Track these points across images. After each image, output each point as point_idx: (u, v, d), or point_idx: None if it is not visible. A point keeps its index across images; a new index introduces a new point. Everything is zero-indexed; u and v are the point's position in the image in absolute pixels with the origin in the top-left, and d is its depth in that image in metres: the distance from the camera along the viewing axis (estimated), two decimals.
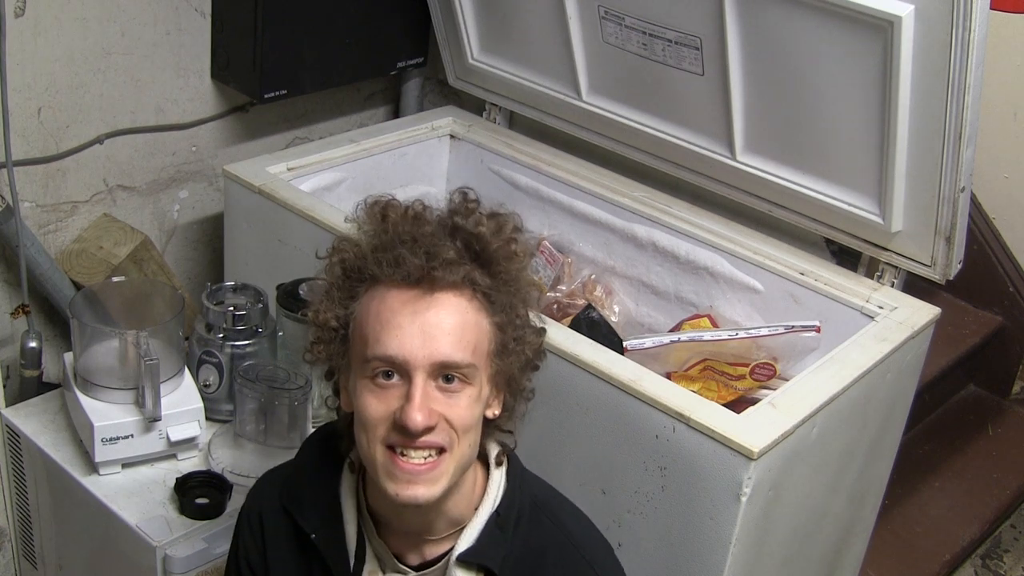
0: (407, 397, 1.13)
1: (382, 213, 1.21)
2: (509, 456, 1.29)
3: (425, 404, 1.13)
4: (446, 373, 1.15)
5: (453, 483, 1.18)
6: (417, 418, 1.12)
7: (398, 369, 1.14)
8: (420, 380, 1.13)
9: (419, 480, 1.15)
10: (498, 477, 1.27)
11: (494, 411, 1.23)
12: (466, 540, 1.23)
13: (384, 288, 1.16)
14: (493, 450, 1.28)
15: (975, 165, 1.82)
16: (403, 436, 1.14)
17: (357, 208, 1.24)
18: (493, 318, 1.19)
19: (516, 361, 1.21)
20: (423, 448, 1.14)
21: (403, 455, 1.14)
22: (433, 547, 1.24)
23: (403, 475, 1.14)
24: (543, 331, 1.27)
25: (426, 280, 1.14)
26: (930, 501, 2.70)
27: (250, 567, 1.34)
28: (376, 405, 1.15)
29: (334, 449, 1.29)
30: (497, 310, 1.19)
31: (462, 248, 1.18)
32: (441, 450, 1.15)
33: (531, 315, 1.24)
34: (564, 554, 1.26)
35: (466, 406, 1.16)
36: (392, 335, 1.14)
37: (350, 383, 1.20)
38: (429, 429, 1.13)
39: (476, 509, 1.25)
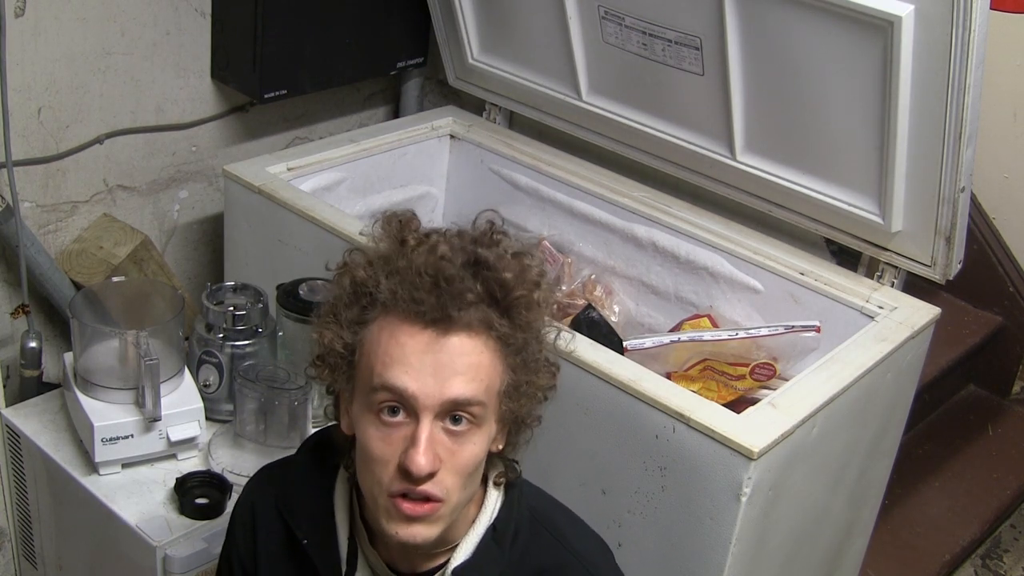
0: (412, 440, 1.10)
1: (400, 237, 1.16)
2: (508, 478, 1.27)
3: (431, 448, 1.10)
4: (455, 413, 1.12)
5: (450, 523, 1.16)
6: (421, 462, 1.09)
7: (405, 405, 1.11)
8: (427, 422, 1.10)
9: (418, 522, 1.12)
10: (495, 492, 1.25)
11: (498, 445, 1.21)
12: (462, 554, 1.21)
13: (396, 320, 1.12)
14: (493, 472, 1.25)
15: (975, 165, 1.82)
16: (406, 481, 1.11)
17: (374, 223, 1.19)
18: (507, 360, 1.15)
19: (527, 402, 1.19)
20: (420, 495, 1.11)
21: (403, 497, 1.12)
22: (426, 560, 1.23)
23: (401, 516, 1.12)
24: (557, 368, 1.23)
25: (443, 321, 1.11)
26: (930, 501, 2.70)
27: (241, 563, 1.34)
28: (380, 446, 1.12)
29: (331, 456, 1.27)
30: (512, 352, 1.16)
31: (482, 292, 1.13)
32: (437, 500, 1.12)
33: (547, 352, 1.21)
34: (564, 566, 1.24)
35: (470, 453, 1.13)
36: (402, 370, 1.10)
37: (353, 409, 1.18)
38: (432, 474, 1.11)
39: (472, 522, 1.23)
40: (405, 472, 1.10)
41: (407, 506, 1.11)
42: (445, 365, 1.10)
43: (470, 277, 1.13)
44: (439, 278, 1.11)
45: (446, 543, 1.22)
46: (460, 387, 1.10)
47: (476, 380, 1.12)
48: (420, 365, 1.10)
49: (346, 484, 1.26)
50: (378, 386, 1.11)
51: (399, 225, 1.18)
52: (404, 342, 1.11)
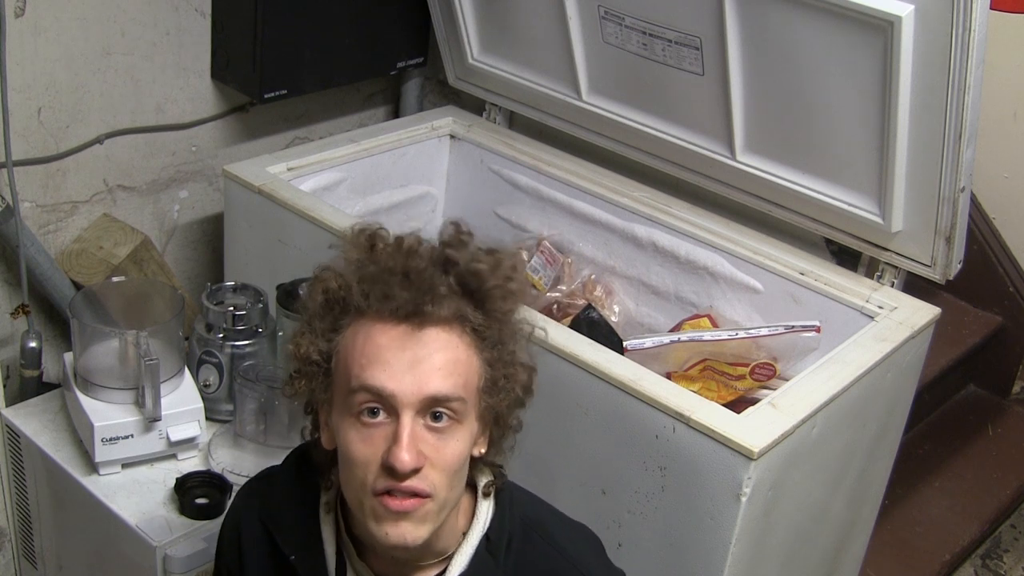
0: (394, 437, 1.10)
1: (369, 243, 1.17)
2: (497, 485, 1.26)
3: (413, 444, 1.10)
4: (435, 410, 1.11)
5: (439, 524, 1.15)
6: (405, 458, 1.08)
7: (385, 405, 1.10)
8: (408, 419, 1.10)
9: (406, 519, 1.11)
10: (486, 502, 1.24)
11: (480, 449, 1.20)
12: (457, 567, 1.21)
13: (370, 322, 1.13)
14: (482, 480, 1.25)
15: (975, 165, 1.82)
16: (390, 479, 1.10)
17: (345, 235, 1.20)
18: (483, 354, 1.16)
19: (506, 398, 1.18)
20: (407, 491, 1.11)
21: (388, 494, 1.11)
22: (418, 573, 1.22)
23: (390, 514, 1.11)
24: (534, 370, 1.23)
25: (416, 315, 1.11)
26: (930, 501, 2.70)
27: (230, 574, 1.34)
28: (361, 448, 1.11)
29: (313, 473, 1.26)
30: (487, 346, 1.16)
31: (455, 283, 1.14)
32: (425, 495, 1.11)
33: (521, 352, 1.21)
34: (558, 572, 1.24)
35: (453, 450, 1.13)
36: (379, 370, 1.10)
37: (332, 418, 1.17)
38: (416, 470, 1.10)
39: (464, 534, 1.22)
40: (389, 470, 1.10)
41: (393, 502, 1.11)
42: (422, 360, 1.11)
43: (440, 273, 1.14)
44: (410, 274, 1.12)
45: (436, 554, 1.21)
46: (438, 383, 1.11)
47: (454, 375, 1.12)
48: (397, 362, 1.10)
49: (329, 500, 1.25)
50: (356, 387, 1.11)
51: (368, 235, 1.18)
52: (379, 341, 1.11)
